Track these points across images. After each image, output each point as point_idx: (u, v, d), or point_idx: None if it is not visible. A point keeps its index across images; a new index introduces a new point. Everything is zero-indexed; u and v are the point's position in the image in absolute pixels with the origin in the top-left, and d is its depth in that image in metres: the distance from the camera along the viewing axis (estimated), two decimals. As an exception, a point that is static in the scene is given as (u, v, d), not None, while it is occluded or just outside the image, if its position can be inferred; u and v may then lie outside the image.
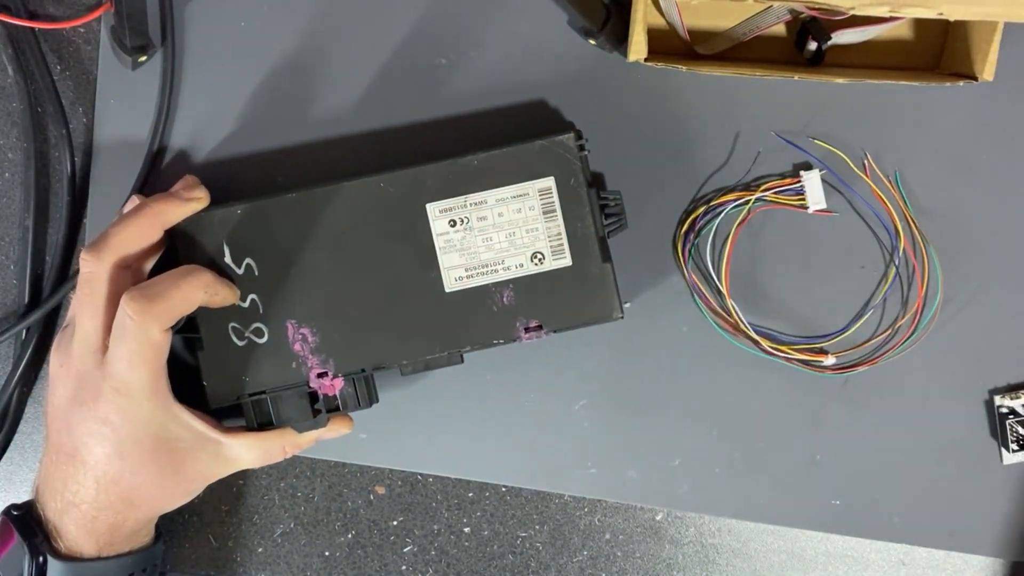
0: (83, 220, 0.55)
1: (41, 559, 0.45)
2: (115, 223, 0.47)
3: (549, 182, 0.49)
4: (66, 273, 0.54)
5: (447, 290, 0.49)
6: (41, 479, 0.48)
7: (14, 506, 0.48)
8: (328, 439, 0.51)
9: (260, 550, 0.56)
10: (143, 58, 0.53)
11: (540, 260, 0.49)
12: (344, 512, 0.56)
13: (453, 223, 0.49)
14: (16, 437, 0.57)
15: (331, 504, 0.56)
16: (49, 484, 0.47)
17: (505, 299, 0.49)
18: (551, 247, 0.49)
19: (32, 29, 0.54)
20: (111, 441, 0.45)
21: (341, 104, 0.54)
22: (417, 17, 0.53)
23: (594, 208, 0.49)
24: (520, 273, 0.49)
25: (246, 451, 0.49)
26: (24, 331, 0.55)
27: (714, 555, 0.56)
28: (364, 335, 0.49)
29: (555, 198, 0.49)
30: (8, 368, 0.56)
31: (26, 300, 0.55)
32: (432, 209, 0.49)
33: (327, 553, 0.56)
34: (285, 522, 0.56)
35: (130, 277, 0.47)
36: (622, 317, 0.49)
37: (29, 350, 0.55)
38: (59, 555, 0.46)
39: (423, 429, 0.54)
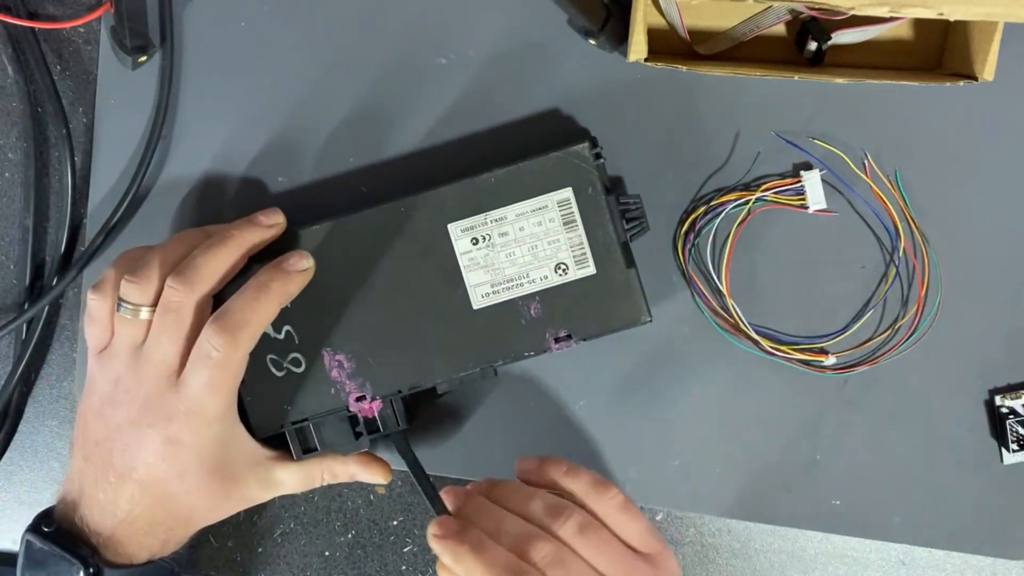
0: (83, 220, 0.55)
1: (92, 570, 0.46)
2: (203, 253, 0.47)
3: (567, 193, 0.49)
4: (66, 273, 0.54)
5: (475, 307, 0.49)
6: (80, 494, 0.47)
7: (43, 522, 0.48)
8: (364, 480, 0.51)
9: (260, 550, 0.56)
10: (143, 58, 0.53)
11: (564, 271, 0.49)
12: (344, 512, 0.56)
13: (475, 241, 0.49)
14: (16, 437, 0.57)
15: (331, 504, 0.56)
16: (95, 501, 0.47)
17: (533, 311, 0.49)
18: (574, 257, 0.49)
19: (32, 29, 0.54)
20: (177, 461, 0.46)
21: (341, 102, 0.54)
22: (416, 16, 0.53)
23: (614, 215, 0.49)
24: (545, 285, 0.49)
25: (289, 476, 0.50)
26: (24, 331, 0.55)
27: (714, 555, 0.56)
28: (398, 358, 0.50)
29: (574, 208, 0.49)
30: (8, 368, 0.56)
31: (26, 300, 0.55)
32: (454, 229, 0.49)
33: (327, 553, 0.56)
34: (285, 522, 0.56)
35: (210, 304, 0.48)
36: (650, 321, 0.49)
37: (29, 350, 0.55)
38: (111, 564, 0.47)
39: (423, 429, 0.54)
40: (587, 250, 0.49)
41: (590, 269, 0.49)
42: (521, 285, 0.49)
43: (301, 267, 0.48)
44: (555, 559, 0.42)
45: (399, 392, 0.50)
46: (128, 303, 0.47)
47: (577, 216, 0.49)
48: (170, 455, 0.46)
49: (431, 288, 0.50)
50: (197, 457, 0.46)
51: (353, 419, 0.51)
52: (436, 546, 0.44)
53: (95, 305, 0.48)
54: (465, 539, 0.43)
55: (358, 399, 0.50)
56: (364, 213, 0.50)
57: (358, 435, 0.51)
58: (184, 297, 0.46)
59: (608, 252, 0.49)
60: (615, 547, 0.44)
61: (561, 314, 0.49)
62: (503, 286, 0.49)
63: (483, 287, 0.49)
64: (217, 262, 0.47)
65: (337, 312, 0.50)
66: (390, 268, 0.50)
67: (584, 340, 0.50)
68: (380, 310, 0.50)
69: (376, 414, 0.50)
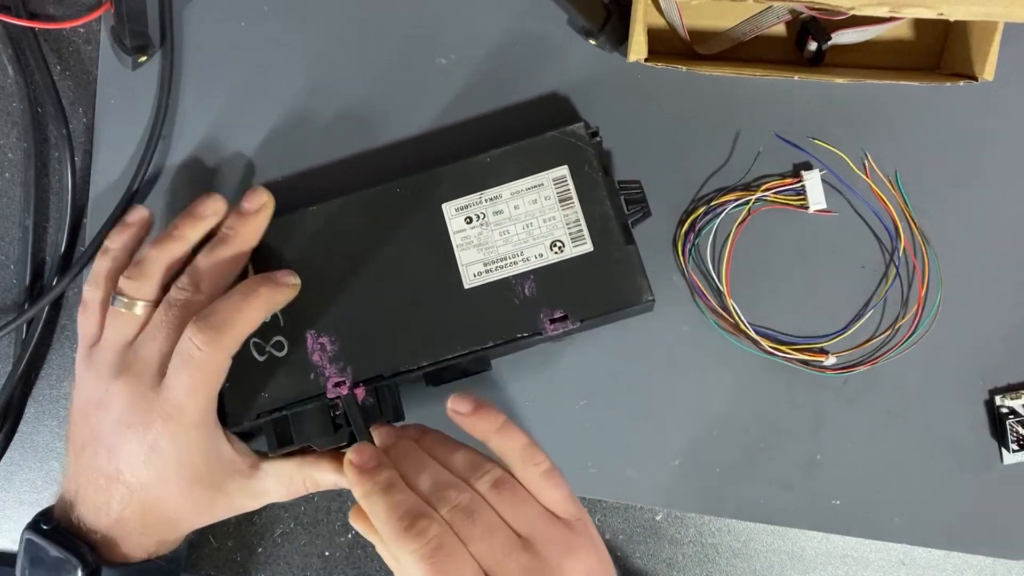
0: (83, 220, 0.55)
1: (91, 568, 0.46)
2: (206, 256, 0.48)
3: (563, 170, 0.48)
4: (66, 273, 0.54)
5: (466, 286, 0.48)
6: (76, 494, 0.47)
7: (42, 520, 0.47)
8: (345, 486, 0.49)
9: (260, 550, 0.56)
10: (143, 58, 0.53)
11: (560, 248, 0.47)
12: (344, 512, 0.56)
13: (469, 220, 0.48)
14: (16, 437, 0.57)
15: (331, 504, 0.56)
16: (89, 501, 0.47)
17: (527, 290, 0.47)
18: (570, 234, 0.48)
19: (32, 29, 0.54)
20: (157, 466, 0.46)
21: (341, 102, 0.54)
22: (416, 16, 0.53)
23: (612, 193, 0.48)
24: (540, 263, 0.48)
25: (273, 485, 0.49)
26: (24, 331, 0.55)
27: (714, 555, 0.56)
28: (382, 339, 0.48)
29: (570, 185, 0.48)
30: (8, 368, 0.56)
31: (26, 300, 0.55)
32: (448, 208, 0.49)
33: (327, 553, 0.56)
34: (285, 522, 0.56)
35: None
36: (653, 300, 0.47)
37: (29, 350, 0.55)
38: (109, 562, 0.47)
39: (423, 429, 0.54)
40: (583, 227, 0.47)
41: (587, 246, 0.47)
42: (515, 263, 0.48)
43: (290, 281, 0.48)
44: (464, 508, 0.41)
45: (381, 377, 0.48)
46: (125, 296, 0.47)
47: (573, 193, 0.48)
48: (151, 460, 0.46)
49: (422, 268, 0.48)
50: (176, 464, 0.46)
51: (334, 408, 0.48)
52: (350, 476, 0.43)
53: (89, 295, 0.49)
54: (377, 478, 0.43)
55: (337, 384, 0.48)
56: (361, 194, 0.49)
57: (337, 427, 0.48)
58: (191, 296, 0.46)
59: (606, 229, 0.47)
60: (530, 505, 0.43)
61: (557, 293, 0.47)
62: (496, 264, 0.48)
63: (475, 266, 0.48)
64: (222, 264, 0.48)
65: (325, 294, 0.49)
66: (381, 248, 0.49)
67: (583, 321, 0.47)
68: (368, 291, 0.48)
69: (360, 403, 0.48)
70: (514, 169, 0.48)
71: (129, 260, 0.49)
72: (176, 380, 0.45)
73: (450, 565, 0.40)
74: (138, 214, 0.51)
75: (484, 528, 0.41)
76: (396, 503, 0.41)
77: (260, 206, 0.49)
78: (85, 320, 0.49)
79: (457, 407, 0.44)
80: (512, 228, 0.48)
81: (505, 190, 0.48)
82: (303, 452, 0.50)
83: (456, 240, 0.48)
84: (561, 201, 0.48)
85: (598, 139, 0.49)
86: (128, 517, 0.46)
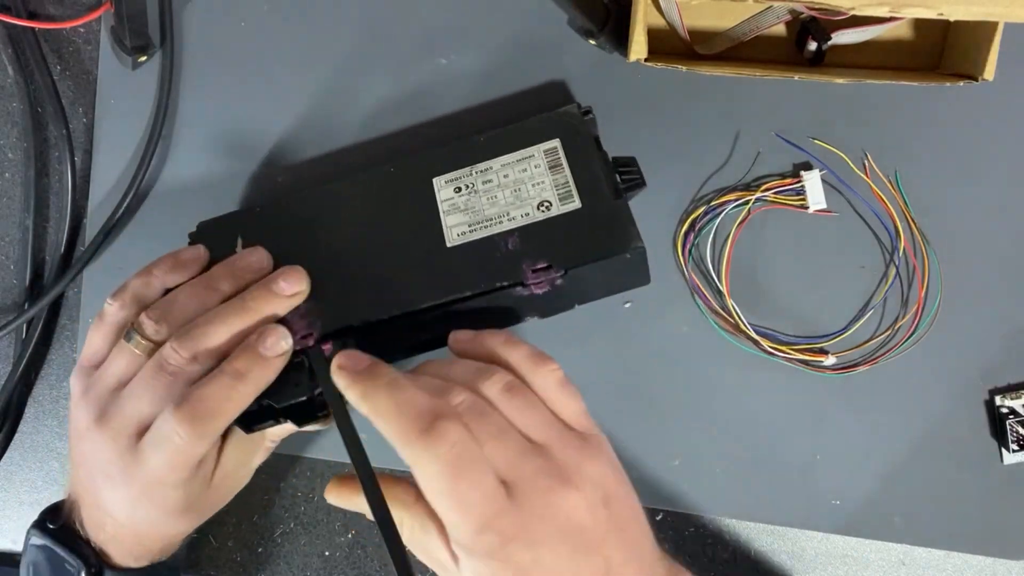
0: (83, 220, 0.55)
1: (94, 570, 0.46)
2: (216, 321, 0.43)
3: (555, 143, 0.48)
4: (66, 273, 0.54)
5: (448, 245, 0.46)
6: (78, 499, 0.47)
7: (49, 519, 0.47)
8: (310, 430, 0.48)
9: (260, 550, 0.56)
10: (143, 58, 0.53)
11: (547, 208, 0.46)
12: (344, 512, 0.56)
13: (458, 189, 0.48)
14: (16, 437, 0.57)
15: (331, 504, 0.56)
16: (86, 514, 0.46)
17: (510, 245, 0.45)
18: (558, 194, 0.46)
19: (32, 29, 0.54)
20: (143, 513, 0.45)
21: (341, 102, 0.54)
22: (417, 16, 0.53)
23: (604, 160, 0.47)
24: (526, 221, 0.46)
25: (248, 452, 0.49)
26: (24, 331, 0.55)
27: (714, 555, 0.56)
28: (354, 294, 0.46)
29: (560, 154, 0.47)
30: (8, 368, 0.56)
31: (26, 300, 0.55)
32: (438, 181, 0.48)
33: (327, 553, 0.56)
34: (285, 522, 0.56)
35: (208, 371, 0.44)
36: (641, 247, 0.44)
37: (29, 350, 0.55)
38: (112, 566, 0.47)
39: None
40: (572, 187, 0.46)
41: (575, 204, 0.46)
42: (500, 223, 0.46)
43: (280, 350, 0.43)
44: (473, 407, 0.37)
45: (351, 328, 0.45)
46: (142, 338, 0.44)
47: (563, 160, 0.47)
48: (136, 509, 0.44)
49: (405, 230, 0.47)
50: (163, 510, 0.45)
51: (299, 366, 0.45)
52: (341, 380, 0.38)
53: (110, 312, 0.45)
54: (378, 374, 0.37)
55: (303, 337, 0.45)
56: (356, 176, 0.49)
57: (296, 385, 0.44)
58: (184, 365, 0.43)
59: (595, 188, 0.46)
60: (542, 412, 0.39)
61: (541, 246, 0.45)
62: (481, 225, 0.46)
63: (460, 227, 0.47)
64: (228, 333, 0.44)
65: (307, 262, 0.47)
66: (368, 219, 0.48)
67: (567, 272, 0.44)
68: (346, 254, 0.47)
69: (327, 358, 0.44)
70: (506, 146, 0.48)
71: (164, 294, 0.46)
72: (154, 457, 0.42)
73: (473, 472, 0.35)
74: (195, 253, 0.48)
75: (497, 427, 0.37)
76: (407, 400, 0.36)
77: (295, 293, 0.45)
78: (96, 335, 0.46)
79: (459, 337, 0.42)
80: (500, 194, 0.47)
81: (496, 162, 0.48)
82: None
83: (443, 207, 0.47)
84: (551, 168, 0.47)
85: (590, 116, 0.49)
86: (123, 538, 0.46)
